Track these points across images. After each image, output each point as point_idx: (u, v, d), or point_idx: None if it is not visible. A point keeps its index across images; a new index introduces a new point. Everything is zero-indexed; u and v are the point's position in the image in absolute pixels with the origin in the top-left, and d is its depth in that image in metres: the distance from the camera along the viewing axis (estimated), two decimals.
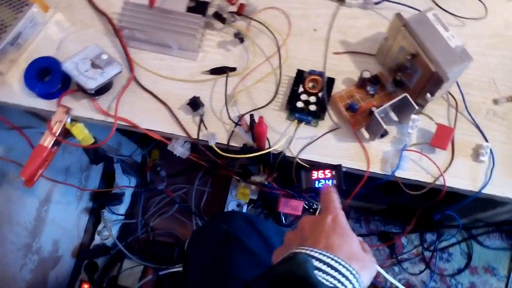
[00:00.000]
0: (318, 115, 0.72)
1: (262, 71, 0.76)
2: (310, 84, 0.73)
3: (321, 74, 0.73)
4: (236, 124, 0.72)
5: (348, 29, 0.78)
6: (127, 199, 1.49)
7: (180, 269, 1.39)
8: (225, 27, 0.78)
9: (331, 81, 0.73)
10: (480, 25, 0.77)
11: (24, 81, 0.75)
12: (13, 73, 0.78)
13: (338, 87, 0.74)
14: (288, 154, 0.71)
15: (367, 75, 0.71)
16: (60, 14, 0.81)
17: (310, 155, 0.71)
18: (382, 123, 0.64)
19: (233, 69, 0.76)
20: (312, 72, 0.73)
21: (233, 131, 0.73)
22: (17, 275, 1.16)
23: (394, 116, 0.70)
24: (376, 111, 0.65)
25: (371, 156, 0.70)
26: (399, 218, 1.44)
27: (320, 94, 0.72)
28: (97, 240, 1.43)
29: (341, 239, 0.47)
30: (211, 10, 0.78)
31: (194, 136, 0.73)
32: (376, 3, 0.77)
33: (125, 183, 1.46)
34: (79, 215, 1.43)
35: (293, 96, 0.72)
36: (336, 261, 0.43)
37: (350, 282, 0.42)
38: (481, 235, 1.40)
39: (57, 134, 0.73)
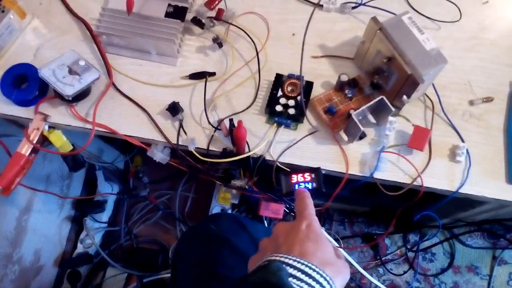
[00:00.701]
0: (297, 119, 0.72)
1: (241, 76, 0.76)
2: (289, 88, 0.73)
3: (299, 78, 0.73)
4: (216, 128, 0.72)
5: (326, 33, 0.78)
6: (109, 207, 1.48)
7: (164, 275, 1.38)
8: (204, 32, 0.79)
9: (309, 85, 0.74)
10: (455, 28, 0.78)
11: (0, 88, 0.74)
12: None
13: (317, 91, 0.75)
14: (268, 157, 0.72)
15: (344, 78, 0.71)
16: (37, 21, 0.81)
17: (289, 158, 0.72)
18: (360, 125, 0.65)
19: (213, 73, 0.76)
20: (290, 76, 0.74)
21: (212, 136, 0.73)
22: None
23: (372, 118, 0.71)
24: (353, 113, 0.65)
25: (350, 158, 0.71)
26: (382, 220, 1.46)
27: (299, 98, 0.72)
28: (80, 248, 1.42)
29: (315, 245, 0.48)
30: (189, 16, 0.78)
31: (174, 141, 0.72)
32: (354, 8, 0.78)
33: (107, 190, 1.44)
34: (61, 224, 1.41)
35: (272, 100, 0.73)
36: (310, 268, 0.44)
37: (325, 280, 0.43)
38: (463, 235, 1.42)
39: (34, 141, 0.73)
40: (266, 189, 0.74)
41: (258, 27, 0.79)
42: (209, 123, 0.73)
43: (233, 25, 0.78)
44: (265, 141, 0.72)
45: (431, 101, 0.73)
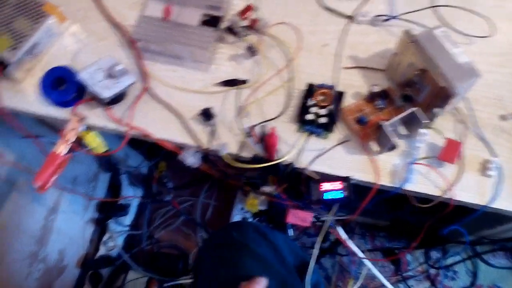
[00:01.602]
0: (328, 128, 0.73)
1: (272, 84, 0.78)
2: (320, 97, 0.74)
3: (331, 87, 0.74)
4: (247, 135, 0.74)
5: (358, 45, 0.79)
6: (132, 211, 1.50)
7: (184, 281, 1.39)
8: (237, 41, 0.80)
9: (340, 95, 0.74)
10: (487, 43, 0.78)
11: (40, 89, 0.77)
12: (29, 82, 0.80)
13: (348, 101, 0.75)
14: (297, 165, 0.72)
15: (376, 89, 0.72)
16: (76, 26, 0.83)
17: (319, 166, 0.72)
18: (390, 136, 0.65)
19: (244, 81, 0.77)
20: (322, 86, 0.75)
21: (243, 142, 0.74)
22: (23, 284, 1.16)
23: (402, 130, 0.71)
24: (385, 124, 0.66)
25: (380, 169, 0.71)
26: (404, 235, 1.44)
27: (330, 107, 0.73)
28: (102, 250, 1.44)
29: None
30: (223, 24, 0.80)
31: (206, 146, 0.74)
32: (385, 20, 0.79)
33: (131, 195, 1.47)
34: (84, 225, 1.43)
35: (304, 108, 0.74)
36: None
37: None
38: (486, 253, 1.40)
39: (70, 142, 0.75)
40: (294, 197, 0.75)
41: (290, 37, 0.81)
42: (241, 129, 0.74)
43: (265, 35, 0.79)
44: (295, 149, 0.73)
45: (462, 114, 0.73)
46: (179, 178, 1.56)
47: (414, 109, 0.67)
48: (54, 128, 1.14)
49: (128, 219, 1.48)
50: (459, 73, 0.65)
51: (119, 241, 1.43)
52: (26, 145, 1.08)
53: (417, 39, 0.67)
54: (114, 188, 1.53)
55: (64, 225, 1.30)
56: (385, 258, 1.41)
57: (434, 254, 1.41)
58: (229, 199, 1.44)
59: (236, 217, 1.39)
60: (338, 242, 1.46)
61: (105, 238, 1.43)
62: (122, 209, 1.46)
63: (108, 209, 1.47)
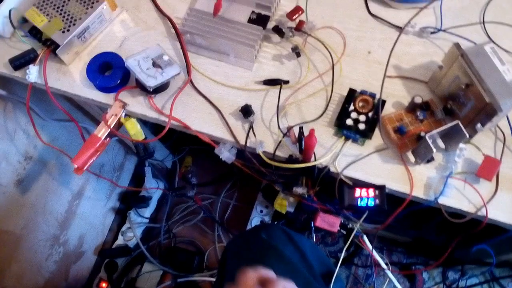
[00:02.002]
0: (366, 134, 0.73)
1: (314, 87, 0.78)
2: (360, 104, 0.75)
3: (372, 95, 0.75)
4: (285, 134, 0.74)
5: (402, 55, 0.79)
6: (153, 203, 1.51)
7: (198, 278, 1.39)
8: (282, 41, 0.81)
9: (382, 103, 0.75)
10: None
11: (86, 73, 0.79)
12: (76, 65, 0.81)
13: (388, 110, 0.76)
14: (332, 169, 0.73)
15: (418, 100, 0.72)
16: (125, 14, 0.85)
17: (354, 172, 0.72)
18: (432, 147, 0.65)
19: (286, 82, 0.78)
20: (363, 92, 0.75)
21: (280, 141, 0.74)
22: (43, 264, 1.18)
23: (441, 143, 0.71)
24: (427, 136, 0.66)
25: (415, 180, 0.71)
26: (422, 253, 1.43)
27: (370, 114, 0.73)
28: (120, 240, 1.45)
29: None
30: (271, 24, 0.81)
31: (242, 142, 0.74)
32: (432, 33, 0.79)
33: (154, 187, 1.48)
34: (106, 213, 1.45)
35: (343, 113, 0.74)
36: None
37: None
38: (504, 278, 1.38)
39: (111, 126, 0.76)
40: (325, 199, 0.75)
41: (335, 42, 0.81)
42: (279, 128, 0.75)
43: (312, 36, 0.80)
44: (332, 152, 0.73)
45: (502, 132, 0.73)
46: (202, 175, 1.58)
47: (456, 122, 0.67)
48: (89, 114, 1.16)
49: (148, 211, 1.49)
50: (505, 90, 0.65)
51: (138, 232, 1.44)
52: (59, 128, 1.11)
53: (465, 52, 0.67)
54: (137, 179, 1.55)
55: (87, 211, 1.32)
56: (401, 271, 1.40)
57: (452, 275, 1.40)
58: (250, 201, 1.45)
59: (255, 219, 1.40)
60: (355, 253, 1.46)
61: (124, 228, 1.45)
62: (144, 201, 1.47)
63: (130, 200, 1.49)
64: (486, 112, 0.66)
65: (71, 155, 0.79)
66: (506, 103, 0.65)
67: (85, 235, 1.35)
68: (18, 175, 1.00)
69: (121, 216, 1.51)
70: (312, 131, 0.68)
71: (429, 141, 0.66)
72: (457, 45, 0.68)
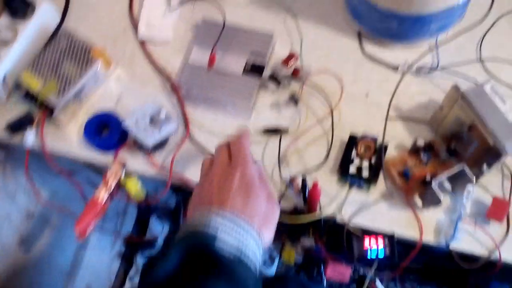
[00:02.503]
0: (370, 181, 0.72)
1: (314, 133, 0.77)
2: (362, 149, 0.74)
3: (374, 139, 0.73)
4: (288, 185, 0.73)
5: (401, 95, 0.78)
6: (159, 244, 1.49)
7: None
8: (278, 89, 0.80)
9: (384, 148, 0.74)
10: None
11: (84, 134, 0.78)
12: (73, 126, 0.81)
13: (390, 153, 0.75)
14: (339, 218, 0.71)
15: (421, 142, 0.71)
16: (120, 70, 0.85)
17: (361, 220, 0.71)
18: (440, 195, 0.64)
19: (286, 130, 0.77)
20: (364, 137, 0.74)
21: (284, 193, 0.73)
22: None
23: (448, 186, 0.70)
24: (433, 184, 0.65)
25: (424, 225, 0.70)
26: (435, 281, 1.40)
27: (373, 159, 0.72)
28: (128, 285, 1.43)
29: (246, 199, 0.53)
30: (267, 71, 0.80)
31: None
32: (429, 71, 0.78)
33: (158, 229, 1.46)
34: (112, 260, 1.43)
35: (346, 160, 0.73)
36: (239, 226, 0.50)
37: (253, 239, 0.50)
38: None
39: (112, 187, 0.75)
40: (334, 249, 0.74)
41: (332, 86, 0.80)
42: (282, 179, 0.74)
43: (308, 83, 0.79)
44: (336, 201, 0.72)
45: (509, 170, 0.72)
46: None
47: (462, 166, 0.66)
48: (90, 164, 1.15)
49: (154, 252, 1.47)
50: (509, 131, 0.64)
51: None
52: (60, 182, 1.10)
53: (465, 94, 0.66)
54: (142, 222, 1.53)
55: (93, 260, 1.31)
56: None
57: None
58: None
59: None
60: None
61: (131, 273, 1.42)
62: (150, 243, 1.45)
63: (136, 243, 1.46)
64: (491, 154, 0.65)
65: (74, 209, 0.78)
66: (510, 145, 0.64)
67: (92, 285, 1.33)
68: (21, 235, 0.98)
69: (127, 260, 1.49)
70: (315, 184, 0.67)
71: (436, 189, 0.64)
72: (456, 87, 0.67)
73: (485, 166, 0.67)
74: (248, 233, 0.50)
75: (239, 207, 0.52)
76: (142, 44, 0.86)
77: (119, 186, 0.78)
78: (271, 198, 0.57)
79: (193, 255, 0.47)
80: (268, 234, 0.54)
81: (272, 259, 0.84)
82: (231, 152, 0.59)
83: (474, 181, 0.65)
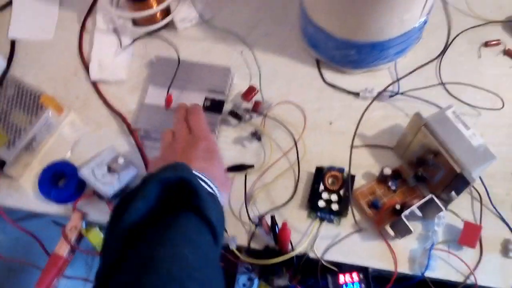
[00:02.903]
0: (341, 213, 0.70)
1: (280, 167, 0.75)
2: (330, 180, 0.72)
3: (341, 170, 0.72)
4: (257, 225, 0.71)
5: (364, 121, 0.76)
6: None
7: None
8: (240, 123, 0.78)
9: (352, 178, 0.72)
10: (497, 114, 0.76)
11: (38, 187, 0.74)
12: (26, 178, 0.77)
13: (359, 182, 0.73)
14: (311, 255, 0.69)
15: (388, 172, 0.70)
16: (74, 115, 0.81)
17: (334, 255, 0.69)
18: (410, 227, 0.63)
19: (251, 166, 0.75)
20: (331, 169, 0.72)
21: (253, 233, 0.71)
22: None
23: (418, 212, 0.69)
24: (403, 215, 0.63)
25: (398, 255, 0.68)
26: None
27: (341, 192, 0.71)
28: None
29: (209, 164, 0.60)
30: (226, 107, 0.78)
31: None
32: (391, 96, 0.77)
33: None
34: None
35: (314, 194, 0.71)
36: (204, 180, 0.55)
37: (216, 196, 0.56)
38: None
39: (72, 241, 0.71)
40: (309, 287, 0.72)
41: (295, 116, 0.79)
42: (249, 219, 0.71)
43: (270, 116, 0.77)
44: (308, 237, 0.70)
45: (478, 192, 0.71)
46: None
47: (431, 196, 0.65)
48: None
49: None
50: (474, 158, 0.63)
51: None
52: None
53: (428, 122, 0.65)
54: None
55: None
56: None
57: None
58: (231, 273, 1.39)
59: None
60: None
61: None
62: None
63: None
64: (459, 181, 0.64)
65: (37, 257, 0.73)
66: (477, 171, 0.63)
67: None
68: None
69: None
70: (284, 224, 0.65)
71: (406, 220, 0.63)
72: (418, 115, 0.66)
73: (453, 193, 0.66)
74: (212, 189, 0.56)
75: (202, 168, 0.57)
76: (95, 85, 0.82)
77: (81, 237, 0.74)
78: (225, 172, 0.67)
79: (171, 187, 0.49)
80: (224, 199, 0.61)
81: None
82: (190, 126, 0.66)
83: (444, 209, 0.64)
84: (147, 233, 0.46)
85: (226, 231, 0.69)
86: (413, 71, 0.68)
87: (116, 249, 0.45)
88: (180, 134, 0.65)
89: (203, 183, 0.54)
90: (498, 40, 0.81)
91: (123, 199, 0.49)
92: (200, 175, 0.55)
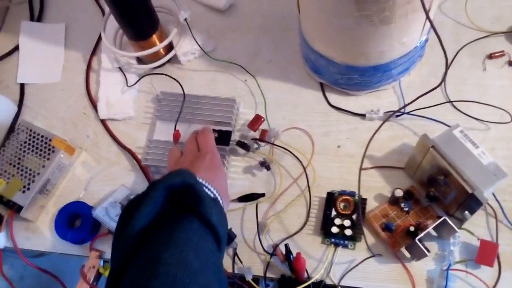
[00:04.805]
0: (355, 238, 0.70)
1: (291, 194, 0.75)
2: (342, 205, 0.72)
3: (352, 194, 0.72)
4: (272, 254, 0.71)
5: (372, 142, 0.76)
6: None
7: None
8: (249, 153, 0.79)
9: (363, 201, 0.72)
10: (506, 127, 0.75)
11: (55, 230, 0.75)
12: (42, 220, 0.78)
13: (371, 205, 0.73)
14: (328, 282, 0.69)
15: (399, 193, 0.70)
16: (85, 154, 0.83)
17: (351, 281, 0.69)
18: (426, 252, 0.62)
19: (262, 195, 0.75)
20: (342, 193, 0.73)
21: (269, 263, 0.71)
22: None
23: (433, 232, 0.68)
24: (417, 239, 0.63)
25: (415, 277, 0.68)
26: None
27: (354, 216, 0.70)
28: None
29: (214, 175, 0.63)
30: (234, 137, 0.78)
31: (229, 270, 0.71)
32: (397, 116, 0.77)
33: None
34: None
35: (327, 220, 0.71)
36: (210, 189, 0.59)
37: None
38: None
39: (91, 281, 0.72)
40: None
41: (303, 141, 0.79)
42: (264, 249, 0.71)
43: (277, 143, 0.78)
44: (324, 264, 0.70)
45: (492, 208, 0.70)
46: None
47: (444, 218, 0.64)
48: None
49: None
50: (485, 177, 0.63)
51: None
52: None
53: (436, 143, 0.65)
54: None
55: None
56: None
57: None
58: None
59: None
60: None
61: None
62: None
63: None
64: (472, 200, 0.63)
65: None
66: (489, 190, 0.62)
67: None
68: None
69: None
70: (298, 255, 0.65)
71: (420, 245, 0.63)
72: (425, 136, 0.66)
73: (467, 213, 0.65)
74: (216, 196, 0.59)
75: (207, 178, 0.59)
76: (104, 123, 0.84)
77: (99, 275, 0.75)
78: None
79: (176, 192, 0.51)
80: (225, 210, 0.61)
81: None
82: (198, 143, 0.70)
83: (457, 230, 0.64)
84: (152, 237, 0.48)
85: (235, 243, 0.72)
86: (418, 97, 0.67)
87: (125, 253, 0.48)
88: (190, 150, 0.69)
89: (206, 190, 0.57)
90: (503, 51, 0.80)
91: (131, 204, 0.51)
92: (204, 183, 0.58)
